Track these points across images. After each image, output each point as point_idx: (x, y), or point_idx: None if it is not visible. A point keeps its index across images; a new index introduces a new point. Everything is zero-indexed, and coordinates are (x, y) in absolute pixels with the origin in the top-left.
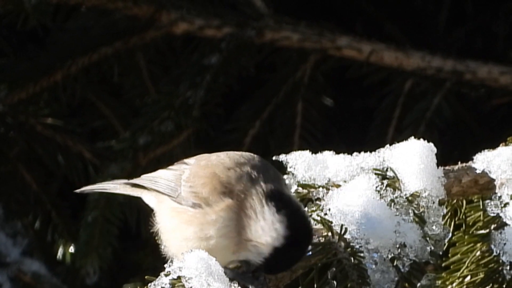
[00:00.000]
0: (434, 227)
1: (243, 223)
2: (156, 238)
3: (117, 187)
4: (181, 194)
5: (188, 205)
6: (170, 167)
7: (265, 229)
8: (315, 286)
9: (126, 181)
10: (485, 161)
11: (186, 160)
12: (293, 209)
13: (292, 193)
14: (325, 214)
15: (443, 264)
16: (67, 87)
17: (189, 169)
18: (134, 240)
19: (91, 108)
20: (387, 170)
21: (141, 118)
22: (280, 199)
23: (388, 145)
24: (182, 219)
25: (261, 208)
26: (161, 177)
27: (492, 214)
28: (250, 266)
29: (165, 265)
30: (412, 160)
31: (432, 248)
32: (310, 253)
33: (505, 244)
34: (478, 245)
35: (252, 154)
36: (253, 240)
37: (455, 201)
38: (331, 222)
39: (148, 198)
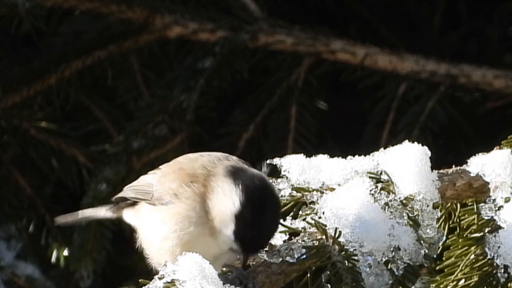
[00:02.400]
0: (428, 230)
1: (207, 203)
2: (143, 252)
3: (97, 212)
4: (154, 195)
5: (161, 204)
6: (150, 171)
7: (223, 200)
8: None
9: (108, 207)
10: (479, 164)
11: (161, 166)
12: (252, 180)
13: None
14: (319, 217)
15: (437, 267)
16: (60, 90)
17: (161, 171)
18: (128, 244)
19: (85, 111)
20: (381, 173)
21: (135, 122)
22: (237, 173)
23: (382, 149)
24: (157, 219)
25: (220, 183)
26: (139, 183)
27: (486, 217)
28: (241, 272)
29: (159, 268)
30: (406, 164)
31: (426, 251)
32: (305, 251)
33: (499, 247)
34: (472, 248)
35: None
36: (216, 216)
37: (449, 204)
38: (325, 226)
39: (128, 215)
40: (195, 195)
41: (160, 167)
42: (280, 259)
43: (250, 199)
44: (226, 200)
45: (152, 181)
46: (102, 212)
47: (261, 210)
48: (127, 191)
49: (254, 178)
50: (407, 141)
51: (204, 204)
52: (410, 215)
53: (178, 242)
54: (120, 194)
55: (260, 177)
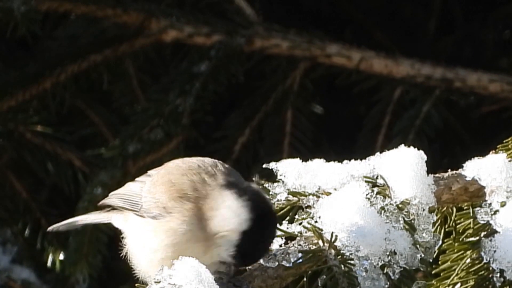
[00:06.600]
0: (424, 235)
1: (205, 219)
2: (128, 261)
3: (87, 217)
4: (143, 206)
5: (150, 217)
6: (137, 178)
7: (229, 215)
8: None
9: (98, 212)
10: (475, 168)
11: (150, 172)
12: (253, 193)
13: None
14: (316, 221)
15: (433, 272)
16: (56, 95)
17: (150, 180)
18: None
19: (81, 116)
20: (377, 177)
21: (130, 126)
22: (237, 187)
23: (378, 153)
24: (147, 231)
25: (221, 198)
26: (126, 192)
27: (482, 222)
28: (232, 276)
29: (147, 280)
30: (402, 168)
31: (422, 255)
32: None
33: (495, 251)
34: (468, 252)
35: (210, 158)
36: (220, 231)
37: (445, 208)
38: (322, 230)
39: (116, 219)
40: (186, 210)
41: (149, 172)
42: (276, 263)
43: (258, 216)
44: (230, 215)
45: (141, 192)
46: (94, 216)
47: (266, 227)
48: (114, 199)
49: (259, 196)
50: (402, 145)
51: (197, 219)
52: (406, 219)
53: (169, 255)
54: (106, 201)
55: (259, 191)
